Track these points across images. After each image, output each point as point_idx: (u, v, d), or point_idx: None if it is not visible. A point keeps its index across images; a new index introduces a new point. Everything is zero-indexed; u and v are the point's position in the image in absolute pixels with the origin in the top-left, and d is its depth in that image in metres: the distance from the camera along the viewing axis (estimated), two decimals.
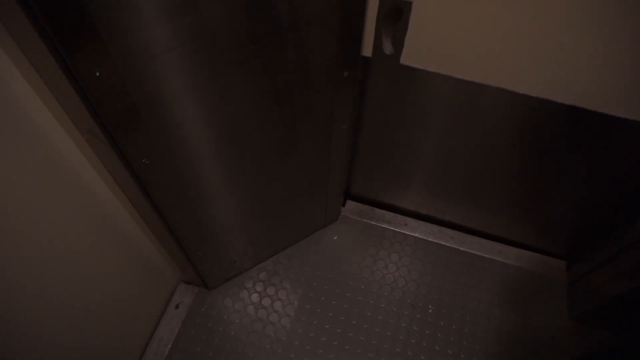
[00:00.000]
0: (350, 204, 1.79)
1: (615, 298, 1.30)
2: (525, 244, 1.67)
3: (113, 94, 0.74)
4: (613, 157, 1.20)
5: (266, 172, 1.22)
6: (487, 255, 1.66)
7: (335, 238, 1.71)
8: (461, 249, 1.68)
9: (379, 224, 1.74)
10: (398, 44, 1.03)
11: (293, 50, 0.92)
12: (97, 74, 0.69)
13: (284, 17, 0.83)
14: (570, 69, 0.93)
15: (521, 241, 1.67)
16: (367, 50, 1.08)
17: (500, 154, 1.33)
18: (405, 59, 1.06)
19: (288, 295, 1.57)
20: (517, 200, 1.48)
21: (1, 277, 0.81)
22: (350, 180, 1.72)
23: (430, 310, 1.54)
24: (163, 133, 0.88)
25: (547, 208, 1.46)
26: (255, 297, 1.56)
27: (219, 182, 1.13)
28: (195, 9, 0.72)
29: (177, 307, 1.52)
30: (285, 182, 1.31)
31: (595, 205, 1.37)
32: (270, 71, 0.94)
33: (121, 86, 0.74)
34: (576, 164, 1.27)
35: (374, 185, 1.71)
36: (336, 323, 1.51)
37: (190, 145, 0.96)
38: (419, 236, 1.71)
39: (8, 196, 0.78)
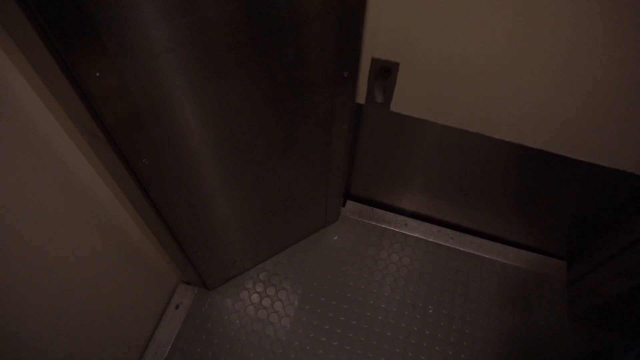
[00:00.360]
0: (350, 204, 1.79)
1: (615, 298, 1.30)
2: (525, 244, 1.67)
3: (113, 94, 0.74)
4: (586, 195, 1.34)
5: (266, 172, 1.22)
6: (486, 256, 1.66)
7: (335, 238, 1.71)
8: (461, 249, 1.68)
9: (379, 224, 1.74)
10: (388, 95, 1.17)
11: (292, 50, 0.92)
12: (97, 74, 0.69)
13: (283, 17, 0.84)
14: (535, 120, 1.08)
15: (521, 241, 1.67)
16: (360, 99, 1.21)
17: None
18: (394, 107, 1.20)
19: (288, 295, 1.57)
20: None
21: (1, 277, 0.81)
22: (350, 181, 1.72)
23: (430, 311, 1.54)
24: (163, 133, 0.88)
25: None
26: (255, 297, 1.56)
27: (219, 182, 1.13)
28: (194, 10, 0.72)
29: (177, 307, 1.52)
30: (285, 182, 1.31)
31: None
32: (270, 71, 0.94)
33: (121, 86, 0.74)
34: (562, 190, 1.34)
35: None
36: (336, 323, 1.51)
37: (190, 145, 0.96)
38: (419, 236, 1.71)
39: (8, 197, 0.78)
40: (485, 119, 1.12)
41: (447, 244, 1.69)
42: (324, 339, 1.48)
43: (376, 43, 1.05)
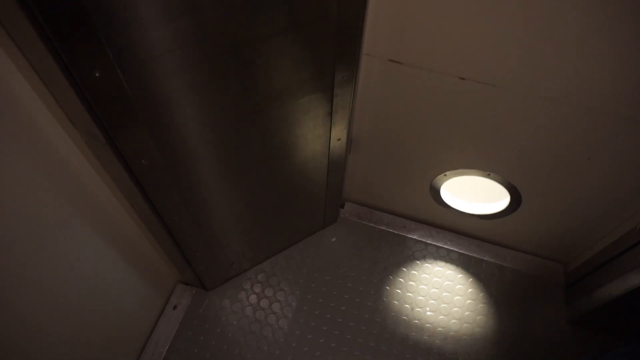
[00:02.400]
0: (349, 205, 1.80)
1: (613, 301, 1.30)
2: (523, 248, 1.67)
3: (112, 94, 0.74)
4: None
5: (265, 173, 1.22)
6: (484, 258, 1.67)
7: (333, 240, 1.71)
8: (459, 251, 1.68)
9: (377, 226, 1.74)
10: None
11: (291, 52, 0.92)
12: (97, 74, 0.69)
13: (282, 19, 0.84)
14: None
15: (519, 245, 1.67)
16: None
17: None
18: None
19: (286, 296, 1.57)
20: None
21: (1, 278, 0.81)
22: (349, 183, 1.72)
23: (428, 313, 1.54)
24: (162, 134, 0.88)
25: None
26: (253, 298, 1.56)
27: (217, 183, 1.13)
28: (194, 11, 0.73)
29: (174, 308, 1.52)
30: (284, 183, 1.31)
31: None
32: (269, 73, 0.94)
33: (120, 87, 0.74)
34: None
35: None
36: (334, 325, 1.51)
37: (189, 146, 0.96)
38: (417, 238, 1.71)
39: (8, 197, 0.78)
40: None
41: (445, 246, 1.70)
42: (321, 340, 1.48)
43: (350, 191, 1.74)
